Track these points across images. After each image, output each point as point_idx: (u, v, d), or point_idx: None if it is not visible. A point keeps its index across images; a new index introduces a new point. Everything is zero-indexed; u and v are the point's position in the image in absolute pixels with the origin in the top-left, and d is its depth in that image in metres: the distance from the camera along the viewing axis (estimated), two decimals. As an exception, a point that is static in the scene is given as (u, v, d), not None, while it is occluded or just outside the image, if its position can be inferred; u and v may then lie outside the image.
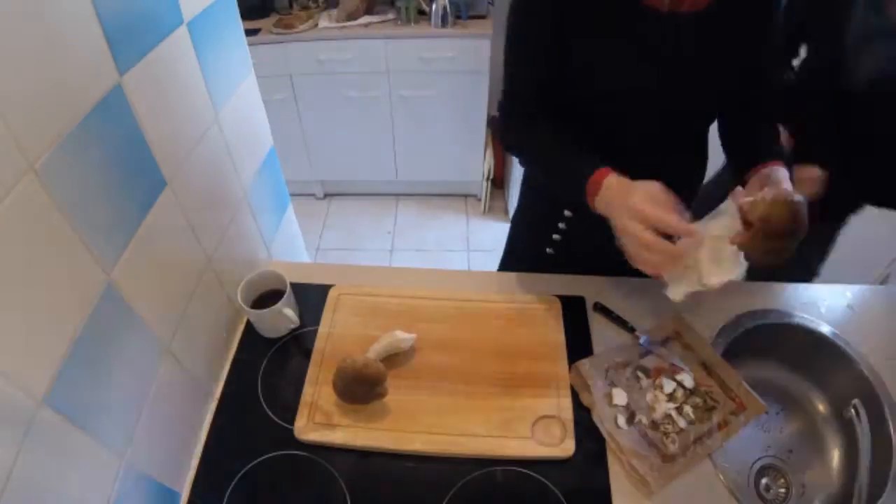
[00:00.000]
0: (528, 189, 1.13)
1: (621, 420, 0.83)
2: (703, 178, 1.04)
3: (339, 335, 0.96)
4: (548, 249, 1.08)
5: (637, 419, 0.83)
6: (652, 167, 0.77)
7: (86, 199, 0.58)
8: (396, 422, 0.84)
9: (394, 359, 0.91)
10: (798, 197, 0.72)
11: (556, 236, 1.05)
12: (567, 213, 1.01)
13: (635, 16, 0.75)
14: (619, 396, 0.86)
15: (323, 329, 0.96)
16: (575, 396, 0.87)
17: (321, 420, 0.85)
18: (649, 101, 0.83)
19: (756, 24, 0.79)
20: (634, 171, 0.76)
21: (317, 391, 0.88)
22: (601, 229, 0.78)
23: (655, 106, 0.84)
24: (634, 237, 0.70)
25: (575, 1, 0.76)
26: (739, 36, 0.79)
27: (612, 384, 0.87)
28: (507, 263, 1.23)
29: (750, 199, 0.73)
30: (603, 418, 0.83)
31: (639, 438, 0.81)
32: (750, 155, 0.86)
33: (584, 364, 0.89)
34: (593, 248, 0.91)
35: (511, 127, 0.92)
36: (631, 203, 0.70)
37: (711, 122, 0.93)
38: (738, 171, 0.87)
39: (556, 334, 0.95)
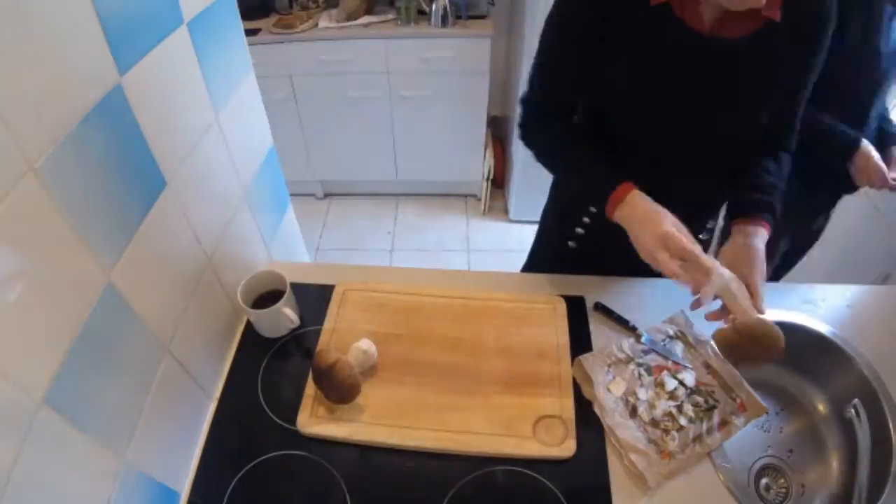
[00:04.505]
0: (556, 184, 1.15)
1: (623, 413, 0.83)
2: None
3: (344, 330, 0.96)
4: (570, 243, 1.10)
5: (638, 414, 0.83)
6: (682, 188, 0.83)
7: (86, 199, 0.58)
8: (399, 418, 0.84)
9: (398, 357, 0.91)
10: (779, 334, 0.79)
11: (579, 230, 1.07)
12: (592, 208, 1.02)
13: (678, 36, 0.77)
14: (620, 386, 0.86)
15: (328, 324, 0.97)
16: (577, 396, 0.87)
17: (324, 414, 0.85)
18: (684, 124, 0.85)
19: (797, 57, 0.80)
20: (664, 190, 0.81)
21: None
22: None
23: (691, 129, 0.85)
24: (663, 264, 0.74)
25: (618, 20, 0.78)
26: (780, 66, 0.80)
27: (614, 377, 0.88)
28: (533, 254, 1.27)
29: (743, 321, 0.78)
30: (604, 411, 0.83)
31: (639, 434, 0.81)
32: (743, 191, 0.88)
33: (587, 358, 0.89)
34: (615, 243, 0.92)
35: (533, 126, 0.94)
36: (661, 231, 0.75)
37: (748, 149, 0.93)
38: (731, 203, 0.90)
39: (560, 334, 0.95)
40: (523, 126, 0.95)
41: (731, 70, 0.78)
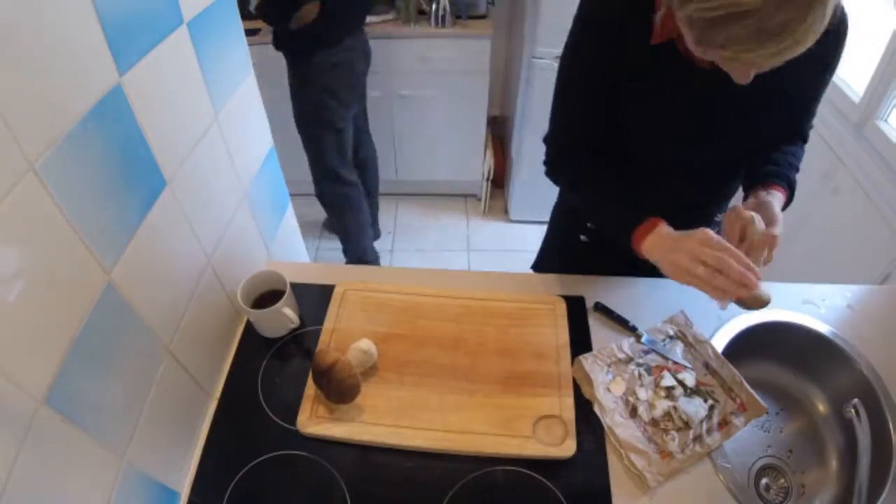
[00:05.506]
0: None
1: (623, 413, 0.83)
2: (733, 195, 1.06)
3: (344, 330, 0.96)
4: (582, 237, 1.10)
5: (638, 414, 0.83)
6: (687, 193, 0.87)
7: (86, 199, 0.58)
8: (399, 418, 0.84)
9: (398, 357, 0.91)
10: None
11: (590, 224, 1.08)
12: None
13: (682, 71, 0.78)
14: (620, 386, 0.86)
15: (328, 324, 0.97)
16: (577, 396, 0.87)
17: (324, 414, 0.85)
18: (692, 148, 0.87)
19: (811, 72, 0.80)
20: (668, 196, 0.83)
21: None
22: None
23: (699, 150, 0.87)
24: (703, 279, 0.71)
25: (627, 56, 0.79)
26: (791, 83, 0.79)
27: (614, 377, 0.88)
28: (544, 251, 1.28)
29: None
30: (604, 411, 0.83)
31: (638, 434, 0.81)
32: (756, 169, 0.89)
33: (587, 358, 0.89)
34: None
35: (557, 165, 0.96)
36: (698, 236, 0.74)
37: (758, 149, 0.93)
38: (745, 185, 0.91)
39: (560, 334, 0.95)
40: (547, 164, 0.97)
41: (728, 98, 0.78)
